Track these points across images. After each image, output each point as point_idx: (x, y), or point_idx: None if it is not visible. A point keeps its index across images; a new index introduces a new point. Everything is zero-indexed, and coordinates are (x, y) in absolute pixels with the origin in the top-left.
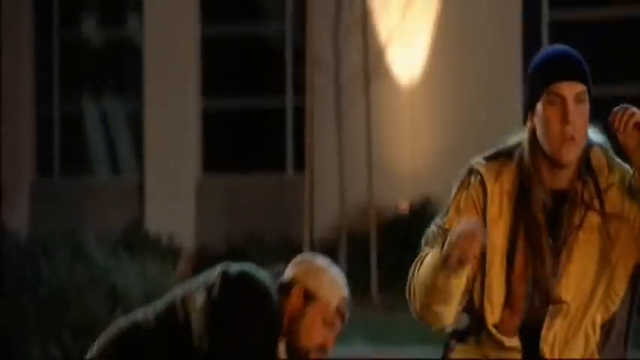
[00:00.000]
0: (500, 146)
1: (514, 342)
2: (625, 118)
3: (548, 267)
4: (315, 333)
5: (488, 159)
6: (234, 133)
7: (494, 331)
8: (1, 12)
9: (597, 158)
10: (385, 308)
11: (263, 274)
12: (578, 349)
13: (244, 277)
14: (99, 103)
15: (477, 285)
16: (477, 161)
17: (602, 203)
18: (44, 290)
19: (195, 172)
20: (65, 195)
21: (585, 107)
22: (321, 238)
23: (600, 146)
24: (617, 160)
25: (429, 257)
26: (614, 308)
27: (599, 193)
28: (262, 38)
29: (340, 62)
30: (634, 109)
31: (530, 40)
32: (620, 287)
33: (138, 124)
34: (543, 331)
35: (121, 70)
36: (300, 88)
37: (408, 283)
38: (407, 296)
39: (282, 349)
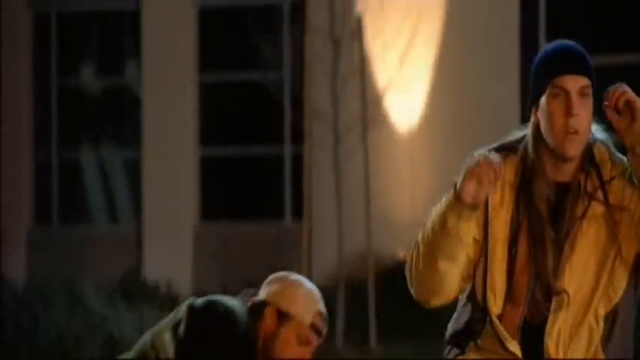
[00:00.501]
0: (505, 140)
1: (514, 346)
2: (617, 95)
3: (550, 260)
4: (290, 352)
5: (492, 151)
6: (232, 181)
7: (497, 322)
8: (0, 60)
9: (600, 153)
10: (384, 358)
11: (229, 301)
12: (582, 342)
13: (209, 306)
14: (97, 150)
15: (479, 272)
16: (481, 153)
17: (605, 194)
18: (42, 339)
19: (193, 220)
20: (63, 243)
21: (589, 101)
22: (319, 285)
23: (603, 142)
24: (619, 154)
25: (438, 206)
26: (616, 299)
27: (603, 185)
28: (260, 86)
29: (338, 110)
30: (627, 87)
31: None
32: (622, 277)
33: (136, 171)
34: (548, 326)
35: (119, 117)
36: (298, 136)
37: (409, 259)
38: (408, 266)
39: None
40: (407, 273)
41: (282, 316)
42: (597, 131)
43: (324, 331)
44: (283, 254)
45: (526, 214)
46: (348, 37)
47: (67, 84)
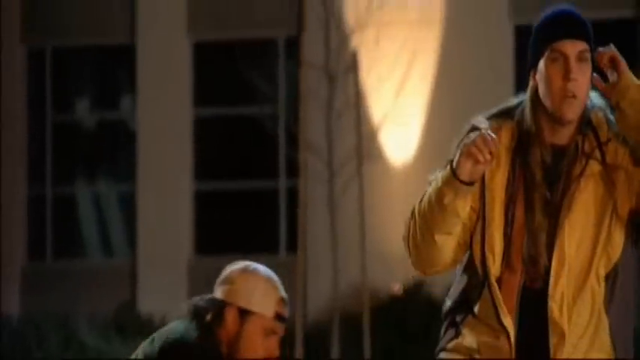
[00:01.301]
0: (502, 106)
1: (507, 320)
2: (601, 53)
3: (546, 222)
4: (257, 347)
5: (489, 117)
6: (226, 215)
7: (495, 285)
8: None
9: (597, 117)
10: None
11: (174, 332)
12: (585, 305)
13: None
14: (92, 185)
15: (477, 237)
16: (477, 119)
17: (602, 154)
18: None
19: (187, 254)
20: (57, 277)
21: (587, 66)
22: (313, 319)
23: (600, 108)
24: (614, 120)
25: (436, 177)
26: (615, 258)
27: (600, 146)
28: (255, 120)
29: (333, 144)
30: (613, 48)
31: None
32: (620, 235)
33: (131, 205)
34: (550, 289)
35: (114, 152)
36: (293, 170)
37: (405, 230)
38: (405, 236)
39: None
40: (404, 242)
41: (244, 314)
42: (595, 97)
43: (287, 315)
44: None
45: (522, 176)
46: (343, 71)
47: (62, 118)
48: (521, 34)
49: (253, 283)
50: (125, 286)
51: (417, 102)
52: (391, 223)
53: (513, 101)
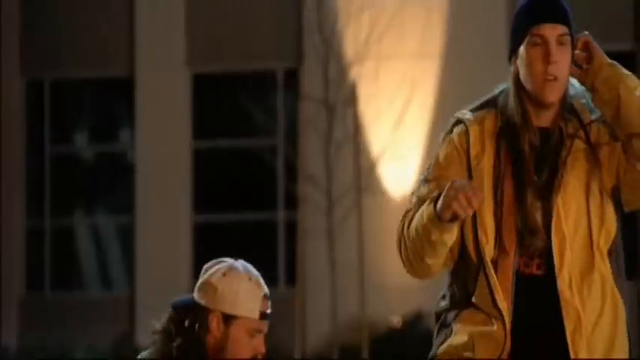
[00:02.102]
0: (484, 97)
1: (504, 305)
2: (577, 38)
3: (538, 203)
4: (244, 351)
5: (473, 109)
6: (225, 247)
7: (490, 267)
8: None
9: (578, 103)
10: None
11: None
12: (596, 284)
13: None
14: (90, 217)
15: (468, 224)
16: (461, 112)
17: (586, 134)
18: None
19: (186, 286)
20: (56, 309)
21: (567, 49)
22: (313, 351)
23: (581, 94)
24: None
25: (422, 211)
26: (613, 232)
27: (584, 127)
28: (254, 152)
29: (332, 176)
30: (587, 33)
31: None
32: (612, 209)
33: (129, 237)
34: (557, 271)
35: (112, 184)
36: (291, 202)
37: (397, 239)
38: (398, 250)
39: None
40: (397, 250)
41: (229, 318)
42: (576, 84)
43: (270, 309)
44: (277, 320)
45: (510, 158)
46: (342, 103)
47: (60, 150)
48: None
49: (236, 287)
50: (124, 317)
51: (415, 135)
52: (390, 255)
53: (495, 91)
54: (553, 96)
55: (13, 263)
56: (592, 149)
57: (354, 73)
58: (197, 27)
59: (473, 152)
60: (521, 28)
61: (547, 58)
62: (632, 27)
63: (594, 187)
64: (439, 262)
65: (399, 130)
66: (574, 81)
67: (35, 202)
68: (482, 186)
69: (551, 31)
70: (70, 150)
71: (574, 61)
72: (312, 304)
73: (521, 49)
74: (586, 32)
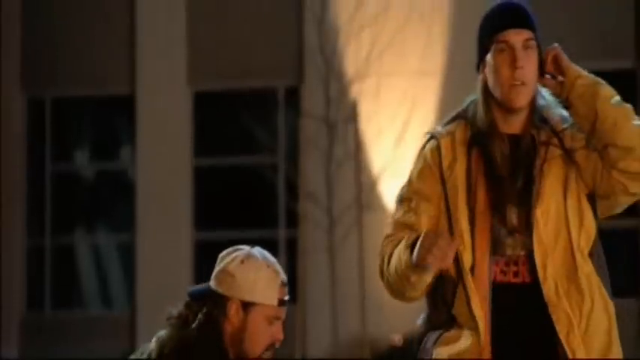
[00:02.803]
0: (454, 111)
1: (479, 312)
2: (547, 52)
3: (514, 210)
4: (262, 338)
5: (444, 124)
6: None
7: (468, 275)
8: None
9: (550, 112)
10: None
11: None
12: (582, 286)
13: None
14: (91, 235)
15: (444, 228)
16: (434, 127)
17: (560, 140)
18: None
19: None
20: (56, 328)
21: (533, 53)
22: None
23: (552, 104)
24: (567, 113)
25: (399, 255)
26: (593, 234)
27: (557, 134)
28: (255, 170)
29: (333, 194)
30: (557, 45)
31: None
32: (590, 212)
33: (130, 256)
34: (540, 275)
35: (113, 202)
36: (292, 220)
37: (379, 270)
38: (379, 275)
39: None
40: (380, 278)
41: (247, 306)
42: (546, 94)
43: (287, 295)
44: None
45: (482, 165)
46: (343, 121)
47: (61, 168)
48: None
49: (254, 274)
50: (124, 336)
51: (415, 153)
52: None
53: (464, 104)
54: (521, 101)
55: (13, 281)
56: (567, 155)
57: (354, 90)
58: (198, 45)
59: (445, 163)
60: (487, 35)
61: (513, 64)
62: (633, 45)
63: (571, 193)
64: (420, 293)
65: (400, 147)
66: (544, 92)
67: (36, 220)
68: (456, 196)
69: (516, 37)
70: (71, 168)
71: (547, 72)
72: (312, 321)
73: (488, 56)
74: (556, 44)
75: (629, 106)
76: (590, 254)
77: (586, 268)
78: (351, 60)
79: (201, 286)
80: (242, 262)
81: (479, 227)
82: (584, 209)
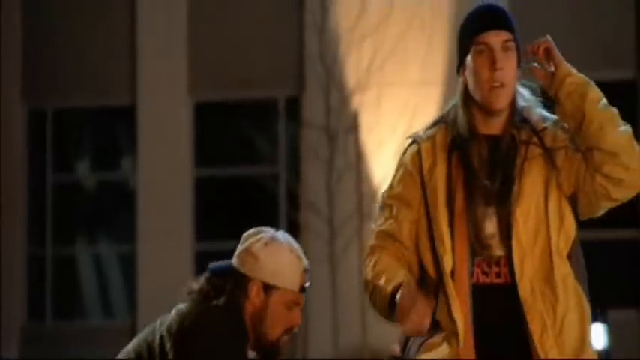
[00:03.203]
0: (436, 117)
1: (459, 315)
2: (537, 44)
3: (491, 210)
4: (280, 322)
5: (426, 129)
6: None
7: (448, 278)
8: None
9: (530, 112)
10: None
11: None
12: (559, 289)
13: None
14: (92, 246)
15: (424, 240)
16: (415, 133)
17: (540, 140)
18: None
19: None
20: (57, 338)
21: (512, 55)
22: None
23: (532, 104)
24: (547, 113)
25: (381, 294)
26: (572, 235)
27: (537, 134)
28: (256, 180)
29: (334, 204)
30: (549, 38)
31: None
32: (571, 213)
33: (131, 267)
34: (517, 276)
35: (114, 212)
36: (293, 230)
37: (364, 288)
38: (366, 295)
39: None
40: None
41: (268, 288)
42: (526, 94)
43: (309, 281)
44: None
45: (460, 169)
46: (344, 131)
47: (62, 179)
48: None
49: (277, 257)
50: (125, 346)
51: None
52: None
53: (445, 109)
54: (501, 102)
55: (14, 291)
56: (548, 155)
57: (355, 101)
58: (199, 55)
59: (425, 167)
60: (467, 38)
61: (493, 65)
62: (633, 55)
63: (552, 192)
64: None
65: None
66: (524, 92)
67: (37, 230)
68: (436, 199)
69: (496, 38)
70: (72, 178)
71: (535, 60)
72: (313, 331)
73: (468, 59)
74: (548, 36)
75: (615, 110)
76: (569, 256)
77: (563, 269)
78: (352, 70)
79: (223, 262)
80: (266, 244)
81: (458, 230)
82: (565, 210)
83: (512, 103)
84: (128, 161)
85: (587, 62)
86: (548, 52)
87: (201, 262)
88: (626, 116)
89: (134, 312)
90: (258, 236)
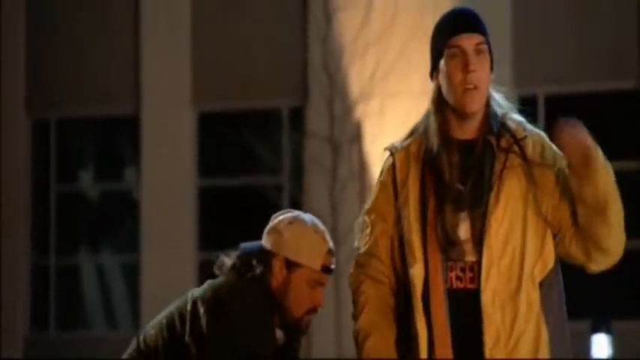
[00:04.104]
0: (412, 126)
1: (421, 324)
2: (575, 137)
3: (464, 215)
4: (303, 300)
5: (402, 139)
6: None
7: (414, 286)
8: (0, 165)
9: (510, 119)
10: None
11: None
12: (521, 308)
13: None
14: (95, 256)
15: (395, 248)
16: (392, 143)
17: (521, 149)
18: None
19: None
20: (60, 348)
21: (485, 57)
22: None
23: (510, 110)
24: (526, 123)
25: (364, 338)
26: (550, 264)
27: (517, 142)
28: (259, 190)
29: (337, 215)
30: (584, 130)
31: None
32: (551, 240)
33: (134, 276)
34: (482, 284)
35: (117, 222)
36: None
37: (353, 333)
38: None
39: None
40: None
41: (291, 265)
42: (501, 99)
43: (334, 264)
44: None
45: (433, 176)
46: (348, 141)
47: (66, 189)
48: (526, 104)
49: (301, 236)
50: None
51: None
52: None
53: (421, 118)
54: (474, 105)
55: (17, 301)
56: (527, 165)
57: (359, 111)
58: (202, 65)
59: (399, 178)
60: (439, 42)
61: (466, 68)
62: (635, 65)
63: (531, 214)
64: None
65: None
66: (498, 97)
67: (40, 241)
68: (407, 209)
69: (468, 41)
70: (76, 188)
71: (568, 162)
72: (317, 342)
73: (441, 62)
74: (590, 143)
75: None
76: (541, 284)
77: (533, 295)
78: (356, 80)
79: (254, 242)
80: (291, 222)
81: (430, 238)
82: (547, 236)
83: (487, 106)
84: (131, 171)
85: (589, 72)
86: (586, 158)
87: (204, 272)
88: (628, 127)
89: (137, 322)
90: (284, 216)
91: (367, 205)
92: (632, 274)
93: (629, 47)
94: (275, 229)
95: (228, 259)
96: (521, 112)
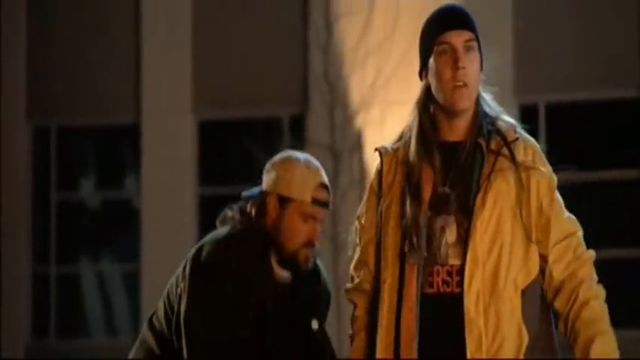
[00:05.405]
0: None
1: (383, 323)
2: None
3: (449, 218)
4: (297, 234)
5: (393, 142)
6: None
7: (384, 293)
8: (0, 173)
9: (501, 121)
10: None
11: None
12: (504, 313)
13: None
14: (96, 264)
15: (371, 256)
16: (383, 145)
17: (511, 151)
18: None
19: None
20: (61, 357)
21: (475, 55)
22: None
23: (501, 113)
24: (513, 120)
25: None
26: (534, 273)
27: (508, 145)
28: None
29: (338, 223)
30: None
31: None
32: (536, 251)
33: (135, 285)
34: (465, 285)
35: (118, 231)
36: None
37: (350, 337)
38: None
39: (274, 261)
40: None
41: (283, 201)
42: (492, 103)
43: (330, 198)
44: None
45: (414, 179)
46: (348, 149)
47: (66, 197)
48: (526, 113)
49: (291, 171)
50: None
51: None
52: None
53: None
54: (463, 102)
55: (18, 310)
56: (517, 168)
57: (360, 119)
58: (203, 74)
59: (385, 182)
60: (428, 40)
61: (455, 65)
62: (637, 73)
63: (517, 209)
64: None
65: None
66: (490, 101)
67: (41, 249)
68: (390, 214)
69: (457, 38)
70: (76, 196)
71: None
72: None
73: (431, 60)
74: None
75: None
76: (523, 291)
77: (515, 301)
78: (356, 88)
79: (255, 188)
80: (283, 160)
81: (408, 243)
82: (532, 245)
83: (476, 104)
84: (132, 180)
85: (591, 80)
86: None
87: None
88: (629, 135)
89: (138, 330)
90: (279, 155)
91: (358, 211)
92: (636, 282)
93: (631, 56)
94: (268, 169)
95: (229, 211)
96: (522, 120)
